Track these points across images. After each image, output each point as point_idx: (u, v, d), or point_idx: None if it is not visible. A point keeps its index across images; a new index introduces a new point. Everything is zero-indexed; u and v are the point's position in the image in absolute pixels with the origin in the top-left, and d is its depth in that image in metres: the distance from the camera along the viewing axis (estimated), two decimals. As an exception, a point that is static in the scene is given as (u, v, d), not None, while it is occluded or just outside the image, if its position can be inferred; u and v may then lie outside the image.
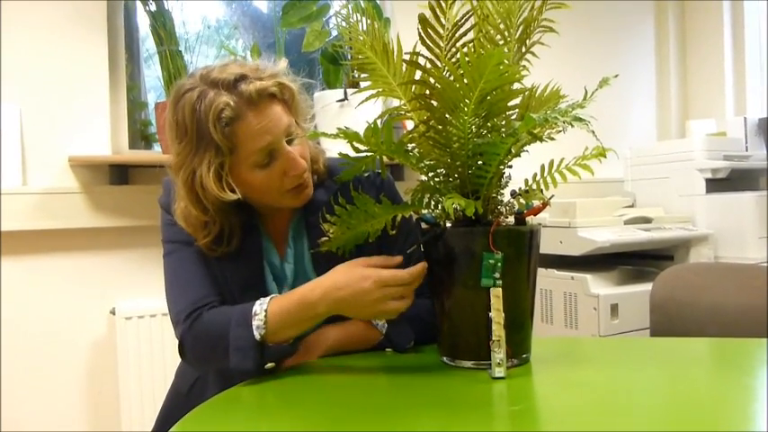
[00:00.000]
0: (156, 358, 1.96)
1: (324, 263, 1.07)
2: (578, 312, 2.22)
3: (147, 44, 2.29)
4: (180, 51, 2.02)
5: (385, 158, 1.02)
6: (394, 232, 1.03)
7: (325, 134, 1.06)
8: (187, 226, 1.07)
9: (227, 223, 1.08)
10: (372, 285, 0.96)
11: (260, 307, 0.99)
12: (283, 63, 1.09)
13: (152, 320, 1.97)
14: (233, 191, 1.02)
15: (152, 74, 2.34)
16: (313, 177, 1.14)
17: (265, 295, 1.04)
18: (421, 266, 1.00)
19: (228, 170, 1.02)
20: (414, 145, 1.03)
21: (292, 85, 1.07)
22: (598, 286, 2.20)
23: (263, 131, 1.01)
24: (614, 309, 2.16)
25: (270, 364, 1.01)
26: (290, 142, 1.06)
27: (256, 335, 0.98)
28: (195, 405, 0.95)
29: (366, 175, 1.16)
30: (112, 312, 1.97)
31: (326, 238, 1.05)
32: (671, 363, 1.04)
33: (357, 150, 0.98)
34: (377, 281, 0.96)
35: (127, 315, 1.95)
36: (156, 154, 2.15)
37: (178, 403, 1.20)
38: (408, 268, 0.99)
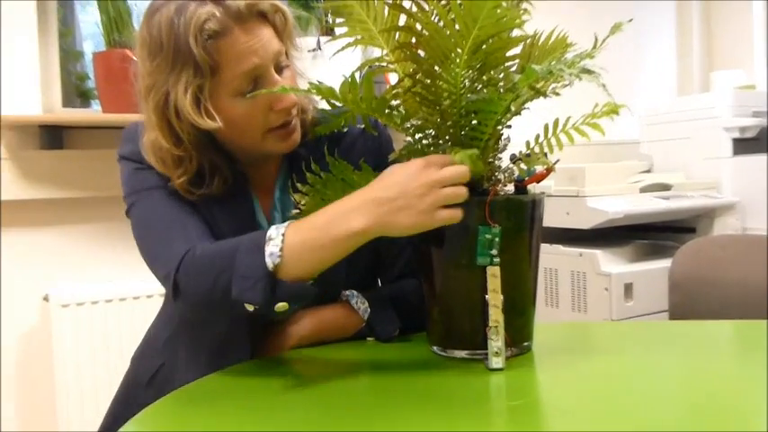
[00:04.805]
0: (99, 351, 1.95)
1: None
2: (587, 294, 2.25)
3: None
4: (121, -8, 1.99)
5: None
6: None
7: (295, 90, 1.05)
8: (157, 162, 1.06)
9: (206, 160, 1.07)
10: (426, 188, 0.90)
11: (276, 231, 0.96)
12: None
13: (93, 308, 1.96)
14: (212, 119, 1.01)
15: (89, 19, 2.30)
16: (302, 130, 1.13)
17: None
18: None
19: (208, 96, 1.02)
20: (398, 102, 1.03)
21: (287, 8, 1.08)
22: (610, 264, 2.23)
23: (249, 52, 1.01)
24: (628, 289, 2.19)
25: (282, 305, 0.95)
26: (279, 73, 1.07)
27: (269, 263, 0.93)
28: (158, 396, 0.93)
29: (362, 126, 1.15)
30: (46, 299, 1.96)
31: (298, 211, 1.04)
32: (692, 350, 1.06)
33: (333, 107, 0.98)
34: (431, 183, 0.90)
35: (63, 302, 1.94)
36: (95, 113, 2.13)
37: (135, 395, 1.19)
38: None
